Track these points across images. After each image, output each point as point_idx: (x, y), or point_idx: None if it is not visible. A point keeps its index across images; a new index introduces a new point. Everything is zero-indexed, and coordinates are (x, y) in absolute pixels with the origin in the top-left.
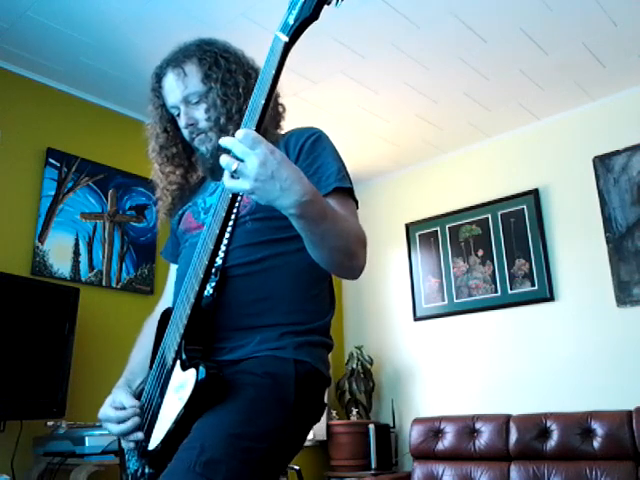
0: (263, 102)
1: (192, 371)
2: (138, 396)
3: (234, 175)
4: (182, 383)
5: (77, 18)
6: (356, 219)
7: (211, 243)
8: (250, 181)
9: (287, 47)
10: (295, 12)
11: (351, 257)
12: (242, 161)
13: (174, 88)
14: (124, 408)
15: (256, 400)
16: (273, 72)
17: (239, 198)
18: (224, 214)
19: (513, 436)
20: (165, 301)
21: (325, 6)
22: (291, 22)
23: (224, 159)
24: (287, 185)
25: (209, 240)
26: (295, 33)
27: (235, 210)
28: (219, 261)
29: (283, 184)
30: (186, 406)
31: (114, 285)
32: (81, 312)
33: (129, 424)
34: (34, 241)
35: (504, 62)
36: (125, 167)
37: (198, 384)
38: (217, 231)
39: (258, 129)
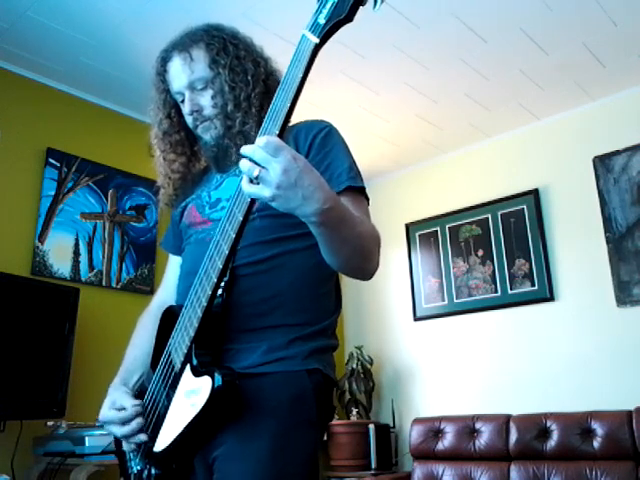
0: (289, 105)
1: (207, 378)
2: (137, 394)
3: (254, 180)
4: (195, 389)
5: (77, 18)
6: (369, 219)
7: (226, 247)
8: (272, 188)
9: (317, 49)
10: (326, 11)
11: (367, 260)
12: (264, 168)
13: (180, 73)
14: (125, 409)
15: (284, 434)
16: (300, 75)
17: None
18: (242, 218)
19: (513, 436)
20: (164, 294)
21: (361, 7)
22: (322, 22)
23: (245, 164)
24: (309, 193)
25: (224, 243)
26: (327, 34)
27: None
28: None
29: (305, 192)
30: (200, 412)
31: (114, 285)
32: (81, 312)
33: (133, 425)
34: (34, 241)
35: (504, 62)
36: (125, 167)
37: (214, 392)
38: (233, 235)
39: (281, 134)
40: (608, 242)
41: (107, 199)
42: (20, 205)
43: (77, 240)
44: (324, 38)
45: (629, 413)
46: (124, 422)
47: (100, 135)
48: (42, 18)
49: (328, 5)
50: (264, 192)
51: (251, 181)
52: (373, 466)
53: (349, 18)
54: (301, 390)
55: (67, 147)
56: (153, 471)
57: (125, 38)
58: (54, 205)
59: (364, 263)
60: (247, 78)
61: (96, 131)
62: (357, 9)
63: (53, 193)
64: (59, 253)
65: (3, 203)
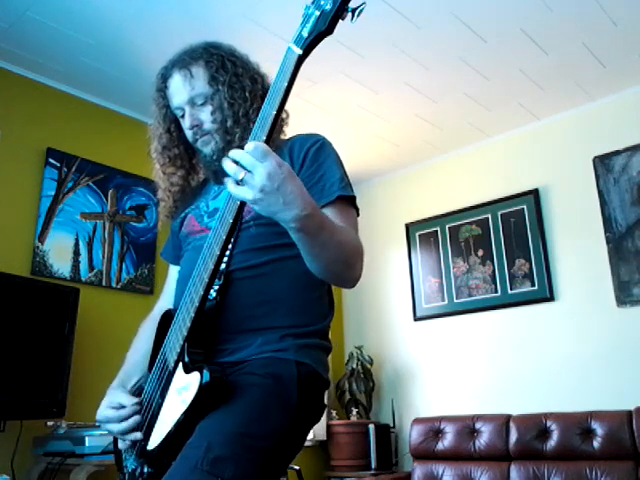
0: (274, 113)
1: (196, 374)
2: (135, 395)
3: (239, 183)
4: (185, 385)
5: (77, 18)
6: (355, 230)
7: (217, 248)
8: (255, 191)
9: (300, 60)
10: (309, 25)
11: (347, 268)
12: (249, 172)
13: (180, 89)
14: (123, 407)
15: (260, 400)
16: (285, 84)
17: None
18: (232, 221)
19: (513, 436)
20: (164, 301)
21: (340, 21)
22: (305, 35)
23: (231, 167)
24: (290, 199)
25: (215, 245)
26: (309, 46)
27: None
28: (223, 265)
29: (286, 198)
30: (189, 408)
31: (114, 285)
32: (81, 312)
33: (130, 422)
34: (34, 241)
35: (504, 62)
36: (125, 167)
37: (202, 387)
38: (224, 237)
39: (268, 140)
40: (608, 242)
41: (107, 199)
42: (20, 205)
43: (77, 240)
44: (307, 50)
45: (629, 413)
46: (122, 420)
47: (100, 135)
48: (42, 18)
49: (311, 20)
50: (247, 194)
51: (237, 183)
52: (373, 466)
53: (329, 31)
54: (284, 372)
55: (67, 147)
56: (146, 469)
57: (125, 38)
58: (54, 205)
59: (344, 270)
60: (245, 94)
61: (96, 131)
62: (336, 23)
63: (53, 193)
64: (59, 253)
65: (3, 203)
